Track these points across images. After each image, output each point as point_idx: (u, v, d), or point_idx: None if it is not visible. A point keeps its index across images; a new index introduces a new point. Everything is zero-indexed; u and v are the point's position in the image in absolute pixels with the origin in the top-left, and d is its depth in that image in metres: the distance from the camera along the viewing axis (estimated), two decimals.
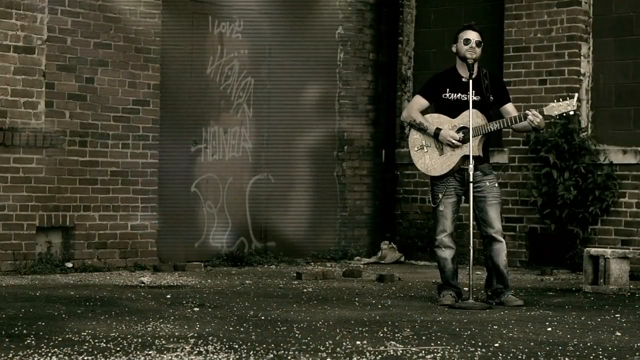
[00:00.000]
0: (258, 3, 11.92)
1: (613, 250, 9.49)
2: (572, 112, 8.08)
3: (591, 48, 11.59)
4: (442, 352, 5.72)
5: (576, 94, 8.48)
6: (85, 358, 5.37)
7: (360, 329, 6.59)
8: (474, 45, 8.03)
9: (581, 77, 11.57)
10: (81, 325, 6.54)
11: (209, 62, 11.52)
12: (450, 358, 5.55)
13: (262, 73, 11.90)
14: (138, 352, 5.55)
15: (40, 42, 10.20)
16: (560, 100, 8.09)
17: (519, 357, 5.63)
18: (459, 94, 8.08)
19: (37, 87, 10.18)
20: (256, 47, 11.86)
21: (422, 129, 8.15)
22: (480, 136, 8.02)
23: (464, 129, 8.01)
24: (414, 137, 8.23)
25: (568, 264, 11.34)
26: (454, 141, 8.02)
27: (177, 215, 11.25)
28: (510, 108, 8.22)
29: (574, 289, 9.52)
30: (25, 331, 6.23)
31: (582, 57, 11.55)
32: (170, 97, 11.18)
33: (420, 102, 8.27)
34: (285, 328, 6.56)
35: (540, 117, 7.99)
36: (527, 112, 8.00)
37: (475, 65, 8.09)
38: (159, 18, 11.05)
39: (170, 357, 5.42)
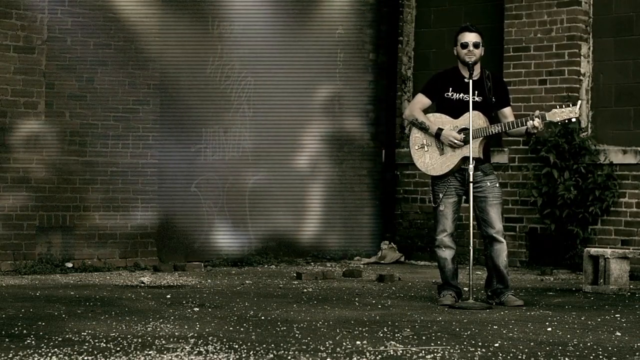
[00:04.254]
0: (258, 3, 11.92)
1: (613, 250, 9.49)
2: (574, 119, 8.07)
3: (591, 48, 11.59)
4: (442, 352, 5.72)
5: (579, 101, 8.47)
6: (85, 358, 5.37)
7: (360, 329, 6.60)
8: (471, 48, 8.04)
9: (581, 77, 11.57)
10: (81, 325, 6.54)
11: (209, 62, 11.51)
12: (450, 358, 5.56)
13: (262, 73, 11.89)
14: (138, 352, 5.55)
15: (40, 42, 10.20)
16: (564, 106, 8.08)
17: (519, 357, 5.63)
18: (462, 94, 8.07)
19: (37, 87, 10.18)
20: (256, 47, 11.85)
21: (423, 128, 8.16)
22: (481, 138, 8.01)
23: (465, 130, 8.00)
24: (415, 135, 8.23)
25: (568, 264, 11.34)
26: (455, 142, 8.01)
27: (177, 215, 11.25)
28: (507, 112, 8.23)
29: (574, 289, 9.52)
30: (25, 331, 6.23)
31: (582, 57, 11.56)
32: (170, 97, 11.18)
33: (422, 100, 8.26)
34: (285, 328, 6.56)
35: (542, 126, 7.98)
36: (529, 119, 7.98)
37: (478, 66, 8.10)
38: (159, 18, 11.05)
39: (170, 357, 5.42)
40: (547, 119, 8.02)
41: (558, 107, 8.10)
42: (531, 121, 7.96)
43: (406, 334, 6.36)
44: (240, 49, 11.73)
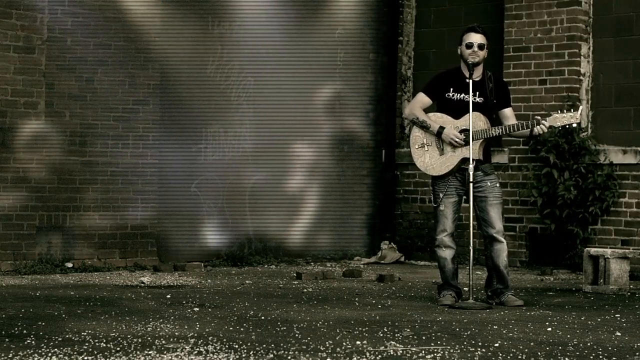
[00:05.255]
0: (258, 3, 11.92)
1: (613, 250, 9.49)
2: (575, 125, 8.06)
3: (591, 48, 11.59)
4: (442, 352, 5.72)
5: (581, 107, 8.48)
6: (85, 358, 5.37)
7: (360, 329, 6.59)
8: (475, 49, 8.05)
9: (581, 77, 11.57)
10: (81, 325, 6.54)
11: (209, 62, 11.51)
12: (450, 358, 5.55)
13: (262, 73, 11.89)
14: (138, 352, 5.55)
15: (40, 42, 10.20)
16: (565, 111, 8.08)
17: (519, 357, 5.63)
18: (463, 94, 8.07)
19: (37, 87, 10.18)
20: (256, 47, 11.85)
21: (424, 127, 8.15)
22: (481, 140, 8.01)
23: (466, 131, 8.00)
24: (416, 134, 8.23)
25: (568, 264, 11.34)
26: (457, 140, 8.01)
27: (177, 215, 11.25)
28: (509, 113, 8.23)
29: (574, 289, 9.52)
30: (25, 331, 6.23)
31: (582, 57, 11.56)
32: (170, 97, 11.18)
33: (423, 100, 8.26)
34: (285, 328, 6.56)
35: (546, 130, 7.98)
36: (535, 123, 7.97)
37: (480, 67, 8.11)
38: (159, 18, 11.05)
39: (170, 357, 5.42)
40: (548, 123, 8.01)
41: (559, 111, 8.10)
42: (538, 126, 7.94)
43: (406, 334, 6.36)
44: (240, 49, 11.73)
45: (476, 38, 8.09)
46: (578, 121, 8.02)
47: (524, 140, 11.68)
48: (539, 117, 8.08)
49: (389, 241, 12.66)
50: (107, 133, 10.68)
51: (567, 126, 8.09)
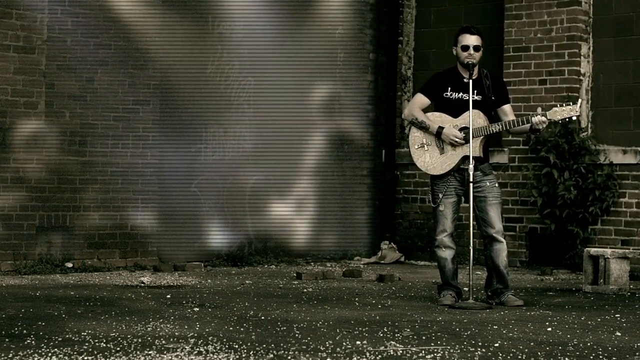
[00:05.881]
0: (258, 3, 11.92)
1: (613, 250, 9.49)
2: (574, 118, 8.06)
3: (591, 48, 11.59)
4: (442, 352, 5.72)
5: (580, 99, 8.48)
6: (85, 358, 5.37)
7: (360, 329, 6.60)
8: (472, 51, 8.04)
9: (581, 77, 11.57)
10: (81, 325, 6.54)
11: (209, 62, 11.51)
12: (450, 358, 5.56)
13: (262, 73, 11.89)
14: (138, 352, 5.55)
15: (40, 42, 10.20)
16: (564, 104, 8.08)
17: (519, 357, 5.63)
18: (461, 94, 8.08)
19: (37, 87, 10.18)
20: (256, 47, 11.85)
21: (423, 127, 8.15)
22: (481, 137, 8.01)
23: (465, 129, 8.00)
24: (415, 135, 8.23)
25: (568, 264, 11.34)
26: (456, 140, 8.01)
27: (177, 215, 11.25)
28: (508, 109, 8.23)
29: (574, 289, 9.52)
30: (25, 331, 6.23)
31: (582, 57, 11.56)
32: (170, 97, 11.18)
33: (421, 100, 8.27)
34: (285, 328, 6.56)
35: (547, 122, 7.98)
36: (532, 116, 7.98)
37: (476, 68, 8.10)
38: (159, 18, 11.05)
39: (170, 357, 5.42)
40: (548, 117, 8.01)
41: (558, 105, 8.10)
42: (537, 117, 7.94)
43: (406, 334, 6.36)
44: (240, 49, 11.73)
45: (472, 40, 8.08)
46: (578, 113, 8.02)
47: (524, 140, 11.69)
48: (540, 108, 8.09)
49: (389, 241, 12.66)
50: (107, 133, 10.68)
51: (568, 119, 8.07)
